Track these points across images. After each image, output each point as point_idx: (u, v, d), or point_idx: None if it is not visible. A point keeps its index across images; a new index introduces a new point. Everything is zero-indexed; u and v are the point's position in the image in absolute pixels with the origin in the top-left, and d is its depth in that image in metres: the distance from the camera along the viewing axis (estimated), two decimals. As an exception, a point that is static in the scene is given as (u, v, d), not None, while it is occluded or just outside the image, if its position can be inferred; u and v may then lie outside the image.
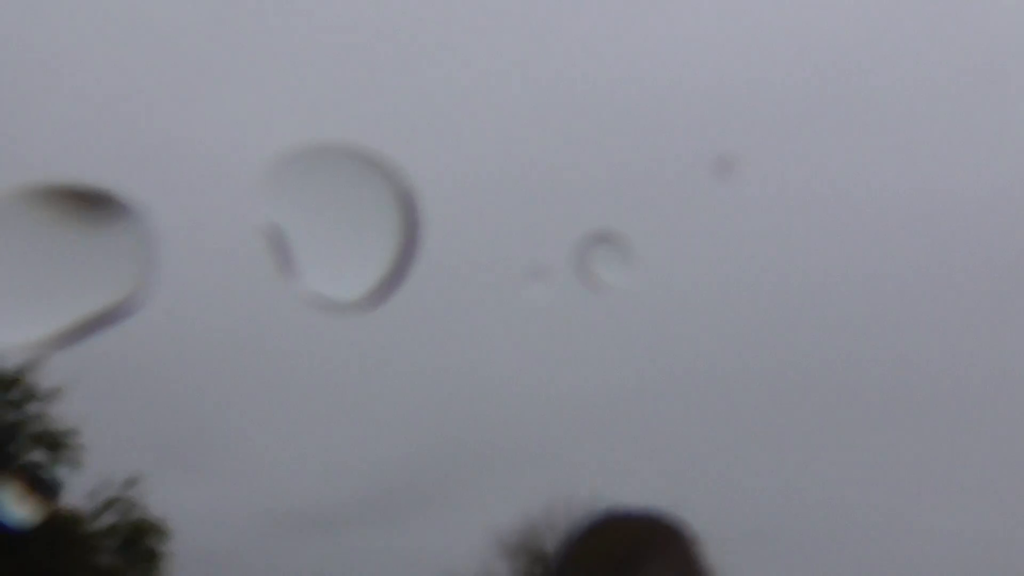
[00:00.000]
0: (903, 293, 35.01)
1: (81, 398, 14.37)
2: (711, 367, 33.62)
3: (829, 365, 34.27)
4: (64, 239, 1.02)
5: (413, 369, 31.10)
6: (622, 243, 1.59)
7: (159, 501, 15.96)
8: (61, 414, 14.24)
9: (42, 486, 13.54)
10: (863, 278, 33.99)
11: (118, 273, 1.02)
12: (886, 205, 34.63)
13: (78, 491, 14.40)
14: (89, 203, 1.06)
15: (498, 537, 28.46)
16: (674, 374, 35.73)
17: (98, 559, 14.46)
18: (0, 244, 0.98)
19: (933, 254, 33.64)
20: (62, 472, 14.17)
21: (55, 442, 14.07)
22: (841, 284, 34.25)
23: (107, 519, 14.98)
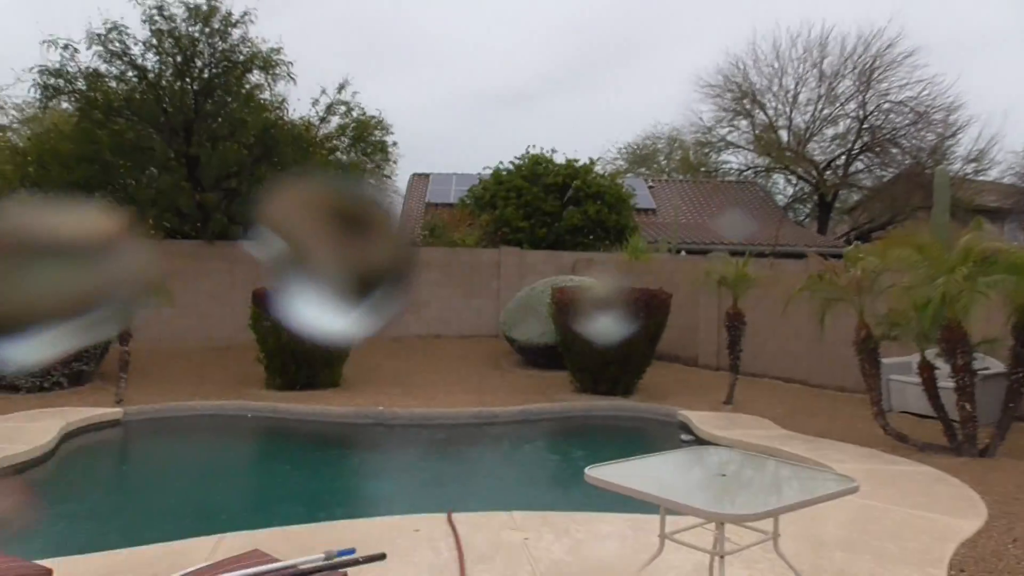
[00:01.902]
0: None
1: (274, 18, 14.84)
2: None
3: None
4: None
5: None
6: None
7: (371, 99, 17.16)
8: (261, 36, 14.99)
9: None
10: None
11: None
12: None
13: (301, 103, 15.71)
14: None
15: (699, 77, 27.81)
16: None
17: (337, 156, 16.36)
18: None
19: None
20: (281, 84, 15.37)
21: (267, 61, 15.00)
22: None
23: (333, 123, 16.51)
